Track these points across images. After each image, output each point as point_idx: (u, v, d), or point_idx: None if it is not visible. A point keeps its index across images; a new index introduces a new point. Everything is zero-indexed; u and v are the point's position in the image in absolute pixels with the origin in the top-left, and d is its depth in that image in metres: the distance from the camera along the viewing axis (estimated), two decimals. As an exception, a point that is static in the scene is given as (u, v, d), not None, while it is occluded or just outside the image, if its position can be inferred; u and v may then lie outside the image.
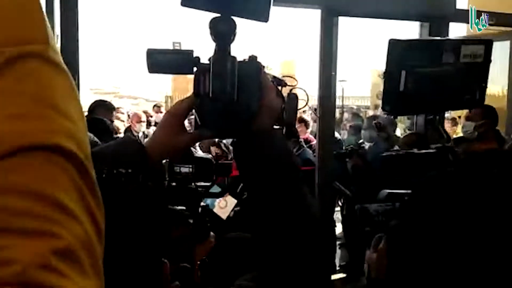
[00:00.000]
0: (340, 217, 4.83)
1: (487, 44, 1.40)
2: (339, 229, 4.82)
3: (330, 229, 3.73)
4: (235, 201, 2.34)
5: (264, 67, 0.85)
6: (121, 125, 4.71)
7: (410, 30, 3.74)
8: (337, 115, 7.80)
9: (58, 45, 0.48)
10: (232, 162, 2.11)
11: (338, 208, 4.98)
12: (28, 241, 0.36)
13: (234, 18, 0.78)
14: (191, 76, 0.84)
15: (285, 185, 0.83)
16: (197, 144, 4.15)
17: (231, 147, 4.06)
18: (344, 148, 4.15)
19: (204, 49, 0.84)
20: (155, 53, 0.84)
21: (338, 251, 4.63)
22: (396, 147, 3.20)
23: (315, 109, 3.56)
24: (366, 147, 4.39)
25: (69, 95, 0.45)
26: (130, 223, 0.71)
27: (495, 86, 4.27)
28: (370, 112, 10.70)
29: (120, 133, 4.44)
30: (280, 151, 0.85)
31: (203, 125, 0.86)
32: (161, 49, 0.84)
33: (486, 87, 1.44)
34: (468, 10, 3.66)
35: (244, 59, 0.83)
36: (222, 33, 0.78)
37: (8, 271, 0.35)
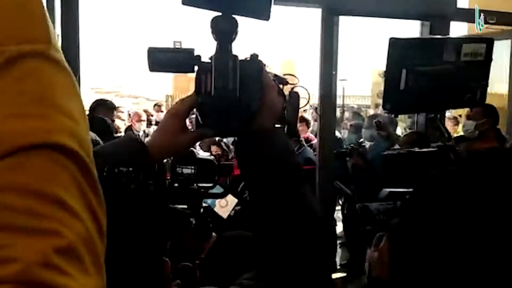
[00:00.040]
0: (340, 216, 4.83)
1: (488, 42, 1.40)
2: (339, 228, 4.83)
3: (331, 228, 3.73)
4: (236, 200, 2.34)
5: (265, 65, 0.85)
6: (121, 124, 4.71)
7: (411, 29, 3.74)
8: (338, 114, 7.81)
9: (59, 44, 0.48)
10: (233, 163, 2.12)
11: (338, 207, 4.98)
12: (29, 240, 0.37)
13: (235, 16, 0.78)
14: (192, 75, 0.84)
15: (286, 184, 0.83)
16: (197, 143, 4.15)
17: (231, 146, 4.08)
18: (344, 147, 4.15)
19: (204, 48, 0.84)
20: (156, 51, 0.84)
21: (339, 250, 4.63)
22: (397, 146, 3.20)
23: (316, 108, 3.57)
24: (367, 146, 4.39)
25: (71, 93, 0.45)
26: (131, 222, 0.71)
27: (496, 85, 4.27)
28: (371, 111, 10.70)
29: (120, 132, 4.44)
30: (281, 150, 0.85)
31: (205, 124, 0.86)
32: (162, 47, 0.84)
33: (487, 85, 1.44)
34: (468, 9, 3.66)
35: (246, 58, 0.83)
36: (224, 32, 0.78)
37: (10, 270, 0.35)
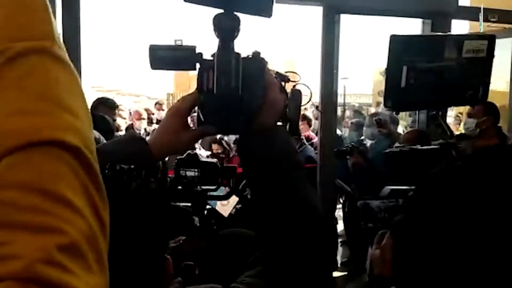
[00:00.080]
0: (341, 214, 4.83)
1: (490, 39, 1.40)
2: (340, 226, 4.83)
3: (332, 226, 3.73)
4: (237, 198, 2.34)
5: (267, 63, 0.85)
6: (122, 122, 4.70)
7: (412, 27, 3.73)
8: (339, 112, 7.80)
9: (60, 43, 0.49)
10: (236, 166, 2.13)
11: (339, 206, 4.98)
12: (32, 237, 0.37)
13: (238, 14, 0.78)
14: (193, 73, 0.84)
15: (288, 182, 0.83)
16: (198, 142, 4.15)
17: (232, 145, 4.08)
18: (345, 145, 4.14)
19: (206, 46, 0.84)
20: (158, 49, 0.84)
21: (340, 249, 4.63)
22: (397, 144, 3.20)
23: (317, 107, 3.56)
24: (368, 144, 4.39)
25: (74, 91, 0.45)
26: (133, 220, 0.71)
27: (498, 83, 4.26)
28: (372, 110, 10.69)
29: (121, 130, 4.44)
30: (283, 148, 0.85)
31: (206, 122, 0.86)
32: (164, 45, 0.84)
33: (489, 83, 1.43)
34: (470, 7, 3.65)
35: (248, 55, 0.83)
36: (226, 29, 0.78)
37: (13, 267, 0.35)
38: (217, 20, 0.77)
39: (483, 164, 0.71)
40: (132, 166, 0.73)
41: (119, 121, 4.31)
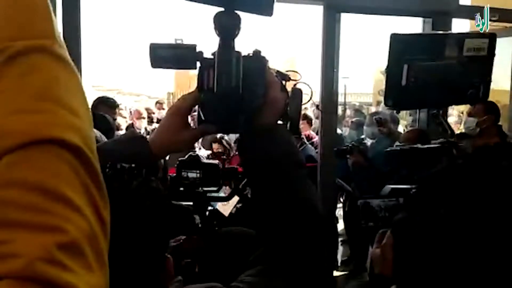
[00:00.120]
0: (342, 213, 4.83)
1: (490, 37, 1.39)
2: (341, 225, 4.82)
3: (332, 226, 3.73)
4: (237, 197, 2.34)
5: (268, 61, 0.84)
6: (123, 122, 4.71)
7: (412, 26, 3.73)
8: (340, 112, 7.79)
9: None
10: (236, 167, 2.13)
11: (340, 205, 4.98)
12: (33, 235, 0.37)
13: (238, 12, 0.78)
14: (193, 73, 0.84)
15: (288, 181, 0.83)
16: (199, 141, 4.15)
17: (233, 144, 4.07)
18: (345, 144, 4.14)
19: (206, 45, 0.84)
20: (158, 47, 0.84)
21: (340, 248, 4.63)
22: (397, 143, 3.20)
23: (317, 106, 3.56)
24: (368, 143, 4.38)
25: (75, 89, 0.45)
26: (133, 218, 0.71)
27: (498, 82, 4.26)
28: (373, 109, 10.68)
29: (121, 129, 4.45)
30: (284, 147, 0.85)
31: (207, 121, 0.86)
32: (164, 43, 0.84)
33: (490, 81, 1.43)
34: (471, 6, 3.64)
35: (249, 54, 0.83)
36: (227, 28, 0.77)
37: (13, 265, 0.35)
38: (217, 18, 0.77)
39: (484, 163, 0.71)
40: (133, 165, 0.73)
41: (119, 120, 4.32)
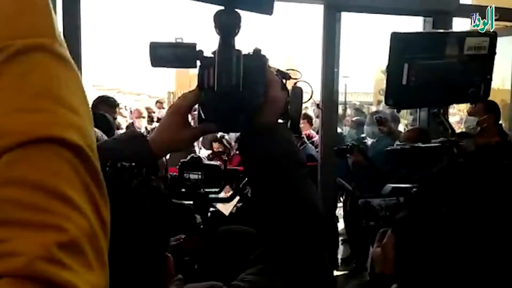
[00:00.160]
0: (342, 213, 4.83)
1: (491, 36, 1.39)
2: (341, 225, 4.82)
3: (333, 225, 3.73)
4: (238, 197, 2.34)
5: (268, 60, 0.84)
6: (123, 121, 4.71)
7: (413, 25, 3.73)
8: (340, 111, 7.79)
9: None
10: (238, 169, 2.13)
11: (340, 204, 4.98)
12: (32, 234, 0.36)
13: (238, 11, 0.77)
14: (194, 72, 0.84)
15: (288, 181, 0.83)
16: (200, 140, 4.15)
17: (233, 143, 4.07)
18: (345, 143, 4.14)
19: (206, 44, 0.84)
20: (158, 46, 0.83)
21: (341, 247, 4.63)
22: (398, 142, 3.20)
23: (318, 105, 3.56)
24: (369, 142, 4.38)
25: (75, 88, 0.45)
26: (133, 217, 0.71)
27: (499, 81, 4.26)
28: (373, 108, 10.68)
29: (122, 129, 4.45)
30: (284, 146, 0.85)
31: (207, 119, 0.85)
32: (164, 42, 0.84)
33: (491, 80, 1.43)
34: (471, 5, 3.64)
35: (249, 53, 0.83)
36: (227, 26, 0.77)
37: (13, 264, 0.35)
38: (217, 17, 0.77)
39: (485, 162, 0.71)
40: (133, 164, 0.73)
41: (119, 119, 4.32)
